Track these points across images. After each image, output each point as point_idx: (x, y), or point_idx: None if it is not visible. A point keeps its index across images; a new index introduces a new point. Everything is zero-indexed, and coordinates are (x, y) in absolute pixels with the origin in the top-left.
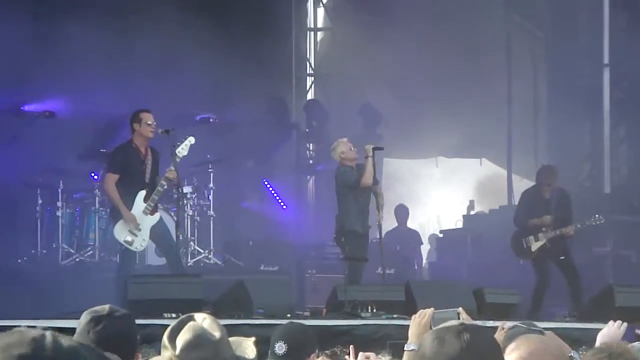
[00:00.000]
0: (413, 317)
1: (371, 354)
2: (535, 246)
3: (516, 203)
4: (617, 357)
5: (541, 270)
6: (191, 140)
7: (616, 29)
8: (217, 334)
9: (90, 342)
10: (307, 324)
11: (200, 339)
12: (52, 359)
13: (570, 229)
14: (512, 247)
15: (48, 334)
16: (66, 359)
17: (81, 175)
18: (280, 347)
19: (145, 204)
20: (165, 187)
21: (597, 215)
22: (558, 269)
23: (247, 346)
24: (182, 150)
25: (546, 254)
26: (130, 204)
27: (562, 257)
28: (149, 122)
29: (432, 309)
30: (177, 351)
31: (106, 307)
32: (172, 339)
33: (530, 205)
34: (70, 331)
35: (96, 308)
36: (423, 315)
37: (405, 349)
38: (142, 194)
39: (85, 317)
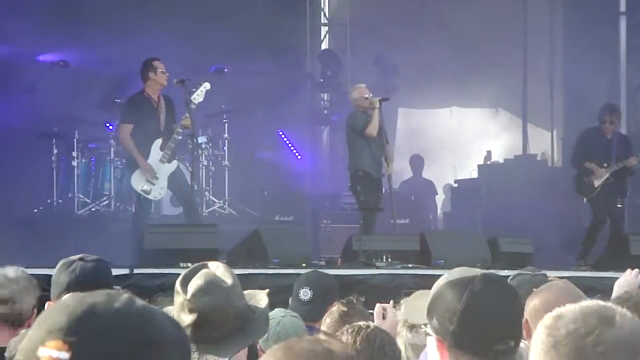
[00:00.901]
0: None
1: (388, 305)
2: (597, 182)
3: (531, 152)
4: None
5: (599, 208)
6: (206, 86)
7: None
8: (229, 281)
9: (64, 284)
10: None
11: (212, 285)
12: (122, 313)
13: (633, 159)
14: (575, 185)
15: (125, 293)
16: (137, 315)
17: (96, 125)
18: (305, 293)
19: (161, 152)
20: (181, 134)
21: None
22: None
23: (261, 297)
24: (198, 96)
25: (608, 191)
26: (146, 153)
27: (620, 205)
28: (162, 70)
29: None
30: (189, 296)
31: (78, 255)
32: (184, 284)
33: (590, 144)
34: (49, 278)
35: (69, 258)
36: (383, 308)
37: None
38: (158, 142)
39: (58, 264)
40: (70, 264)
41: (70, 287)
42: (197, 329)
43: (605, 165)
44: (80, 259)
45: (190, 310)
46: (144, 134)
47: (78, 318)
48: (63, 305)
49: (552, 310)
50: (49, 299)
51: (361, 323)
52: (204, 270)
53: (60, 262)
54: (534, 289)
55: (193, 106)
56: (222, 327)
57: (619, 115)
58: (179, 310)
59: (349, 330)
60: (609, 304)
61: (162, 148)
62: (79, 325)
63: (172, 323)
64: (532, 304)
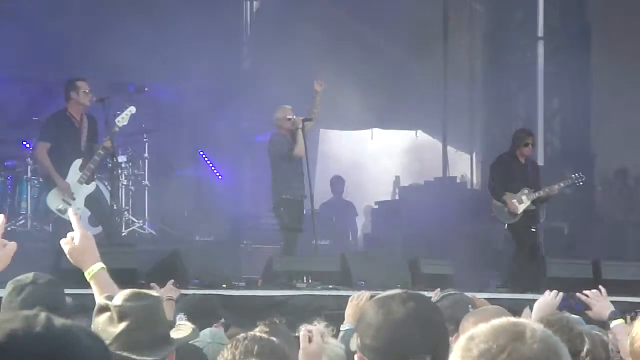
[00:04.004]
0: (350, 298)
1: (314, 328)
2: (520, 208)
3: (450, 175)
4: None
5: (519, 233)
6: (132, 110)
7: (550, 3)
8: (154, 294)
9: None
10: (243, 294)
11: (139, 294)
12: (42, 336)
13: (554, 188)
14: (494, 212)
15: (42, 313)
16: (57, 336)
17: (13, 143)
18: (180, 319)
19: (80, 173)
20: (102, 155)
21: (577, 174)
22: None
23: (182, 328)
24: (122, 119)
25: (525, 216)
26: (64, 173)
27: (534, 229)
28: (86, 91)
29: (370, 292)
30: (119, 302)
31: (30, 275)
32: (109, 299)
33: (506, 171)
34: None
35: (19, 277)
36: (361, 298)
37: (341, 329)
38: (77, 162)
39: (8, 287)
40: (22, 289)
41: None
42: (129, 334)
43: (526, 191)
44: (32, 282)
45: (121, 318)
46: (63, 154)
47: None
48: None
49: None
50: None
51: (242, 335)
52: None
53: (10, 286)
54: (470, 307)
55: (117, 129)
56: (154, 330)
57: (535, 138)
58: (106, 326)
59: (229, 346)
60: (519, 319)
61: (81, 168)
62: (1, 356)
63: (93, 339)
64: (467, 324)
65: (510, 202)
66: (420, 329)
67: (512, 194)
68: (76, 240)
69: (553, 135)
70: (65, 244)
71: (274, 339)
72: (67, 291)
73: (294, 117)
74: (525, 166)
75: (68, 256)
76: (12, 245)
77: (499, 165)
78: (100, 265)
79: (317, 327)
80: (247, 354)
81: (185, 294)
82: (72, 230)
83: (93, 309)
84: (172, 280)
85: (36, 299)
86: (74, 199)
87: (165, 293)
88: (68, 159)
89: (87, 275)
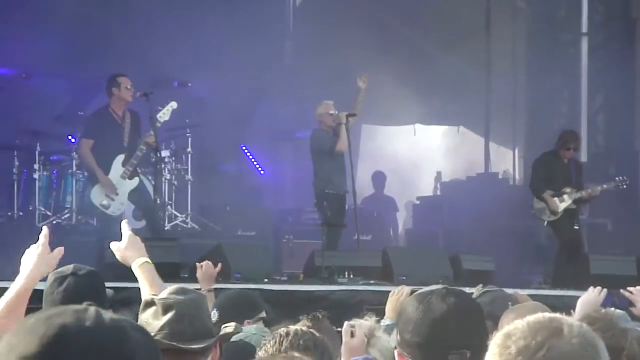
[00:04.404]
0: (391, 293)
1: (355, 322)
2: (561, 207)
3: (492, 170)
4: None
5: (561, 231)
6: (173, 105)
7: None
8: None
9: (57, 302)
10: (284, 289)
11: (184, 289)
12: (92, 330)
13: (597, 189)
14: (534, 209)
15: (92, 308)
16: (107, 331)
17: (59, 138)
18: (213, 315)
19: (123, 168)
20: (145, 151)
21: (621, 177)
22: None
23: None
24: (164, 114)
25: (567, 214)
26: (107, 168)
27: (577, 227)
28: (127, 86)
29: (410, 287)
30: (164, 295)
31: (70, 266)
32: (154, 296)
33: (548, 170)
34: (40, 293)
35: (60, 269)
36: (401, 293)
37: (381, 324)
38: (120, 157)
39: (50, 278)
40: (62, 280)
41: (64, 304)
42: (172, 325)
43: (568, 190)
44: (72, 274)
45: (166, 310)
46: (105, 149)
47: (50, 343)
48: (30, 328)
49: None
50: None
51: (284, 330)
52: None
53: (52, 277)
54: (510, 304)
55: (158, 124)
56: (197, 322)
57: (580, 141)
58: (151, 320)
59: (273, 340)
60: (557, 315)
61: (124, 164)
62: (52, 350)
63: (142, 333)
64: (506, 320)
65: (551, 201)
66: (460, 325)
67: (553, 192)
68: (123, 242)
69: (597, 131)
70: (115, 248)
71: (317, 333)
72: (109, 284)
73: (336, 112)
74: (567, 166)
75: (118, 257)
76: (59, 251)
77: (541, 164)
78: (146, 259)
79: (368, 321)
80: (292, 348)
81: (226, 289)
82: (117, 224)
83: (134, 301)
84: (207, 262)
85: (77, 290)
86: (117, 194)
87: (203, 277)
88: (111, 154)
89: (134, 267)
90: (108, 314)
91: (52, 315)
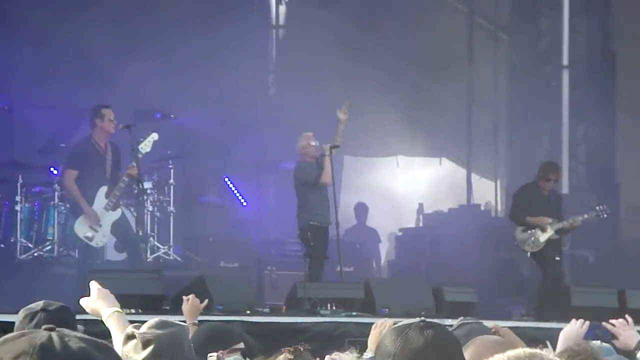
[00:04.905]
0: (374, 325)
1: (336, 355)
2: (543, 237)
3: (475, 202)
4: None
5: (543, 262)
6: (154, 136)
7: (575, 32)
8: (179, 323)
9: None
10: (267, 320)
11: (165, 322)
12: (60, 356)
13: (578, 219)
14: (516, 240)
15: (55, 336)
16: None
17: (40, 170)
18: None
19: (106, 200)
20: (127, 182)
21: (602, 207)
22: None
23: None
24: (145, 146)
25: (549, 245)
26: (90, 200)
27: (558, 258)
28: (111, 118)
29: (393, 320)
30: (144, 329)
31: (40, 302)
32: (136, 328)
33: (528, 201)
34: (11, 325)
35: (31, 305)
36: (383, 326)
37: (363, 356)
38: (103, 189)
39: (20, 314)
40: (33, 316)
41: None
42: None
43: (549, 221)
44: (43, 309)
45: (145, 344)
46: (89, 181)
47: (40, 345)
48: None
49: None
50: None
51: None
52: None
53: (22, 314)
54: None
55: (140, 155)
56: (178, 356)
57: (560, 171)
58: (131, 354)
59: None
60: (536, 350)
61: (107, 196)
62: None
63: (107, 353)
64: (466, 353)
65: (537, 220)
66: (438, 358)
67: (534, 219)
68: (92, 296)
69: (578, 163)
70: (83, 303)
71: None
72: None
73: (317, 143)
74: (547, 197)
75: (88, 311)
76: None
77: (521, 195)
78: (116, 308)
79: (349, 355)
80: None
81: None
82: (99, 256)
83: (105, 336)
84: (192, 295)
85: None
86: (100, 225)
87: (189, 310)
88: (94, 186)
89: (105, 317)
90: (74, 340)
91: (18, 353)
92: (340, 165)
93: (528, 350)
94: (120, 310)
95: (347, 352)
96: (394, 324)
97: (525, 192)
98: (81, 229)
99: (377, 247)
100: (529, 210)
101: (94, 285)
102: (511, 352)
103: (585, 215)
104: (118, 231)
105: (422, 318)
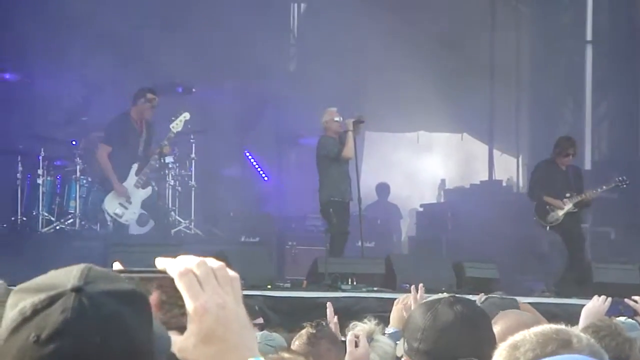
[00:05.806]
0: (396, 301)
1: (355, 324)
2: (561, 212)
3: (496, 178)
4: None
5: (570, 236)
6: (186, 116)
7: (599, 6)
8: None
9: None
10: (287, 295)
11: None
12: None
13: (597, 191)
14: (537, 216)
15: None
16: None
17: (62, 143)
18: None
19: (137, 177)
20: (158, 160)
21: (621, 177)
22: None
23: None
24: (177, 125)
25: (569, 220)
26: (124, 176)
27: (585, 225)
28: (154, 105)
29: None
30: None
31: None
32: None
33: (546, 177)
34: None
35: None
36: (405, 302)
37: (385, 332)
38: (134, 167)
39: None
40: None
41: None
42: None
43: (567, 195)
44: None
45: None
46: (123, 157)
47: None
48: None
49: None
50: None
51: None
52: None
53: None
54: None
55: (172, 135)
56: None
57: (577, 148)
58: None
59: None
60: (562, 326)
61: (137, 173)
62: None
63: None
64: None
65: (553, 201)
66: (468, 332)
67: (550, 198)
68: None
69: (601, 140)
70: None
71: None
72: None
73: (341, 118)
74: (565, 172)
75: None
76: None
77: (539, 171)
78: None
79: (368, 324)
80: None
81: (262, 294)
82: (123, 230)
83: None
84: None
85: None
86: (130, 202)
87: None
88: (127, 162)
89: None
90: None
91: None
92: (361, 141)
93: (554, 326)
94: None
95: (364, 321)
96: (418, 299)
97: (542, 169)
98: (111, 205)
99: (398, 223)
100: (547, 187)
101: (116, 267)
102: (537, 329)
103: (604, 187)
104: (148, 208)
105: (452, 294)
